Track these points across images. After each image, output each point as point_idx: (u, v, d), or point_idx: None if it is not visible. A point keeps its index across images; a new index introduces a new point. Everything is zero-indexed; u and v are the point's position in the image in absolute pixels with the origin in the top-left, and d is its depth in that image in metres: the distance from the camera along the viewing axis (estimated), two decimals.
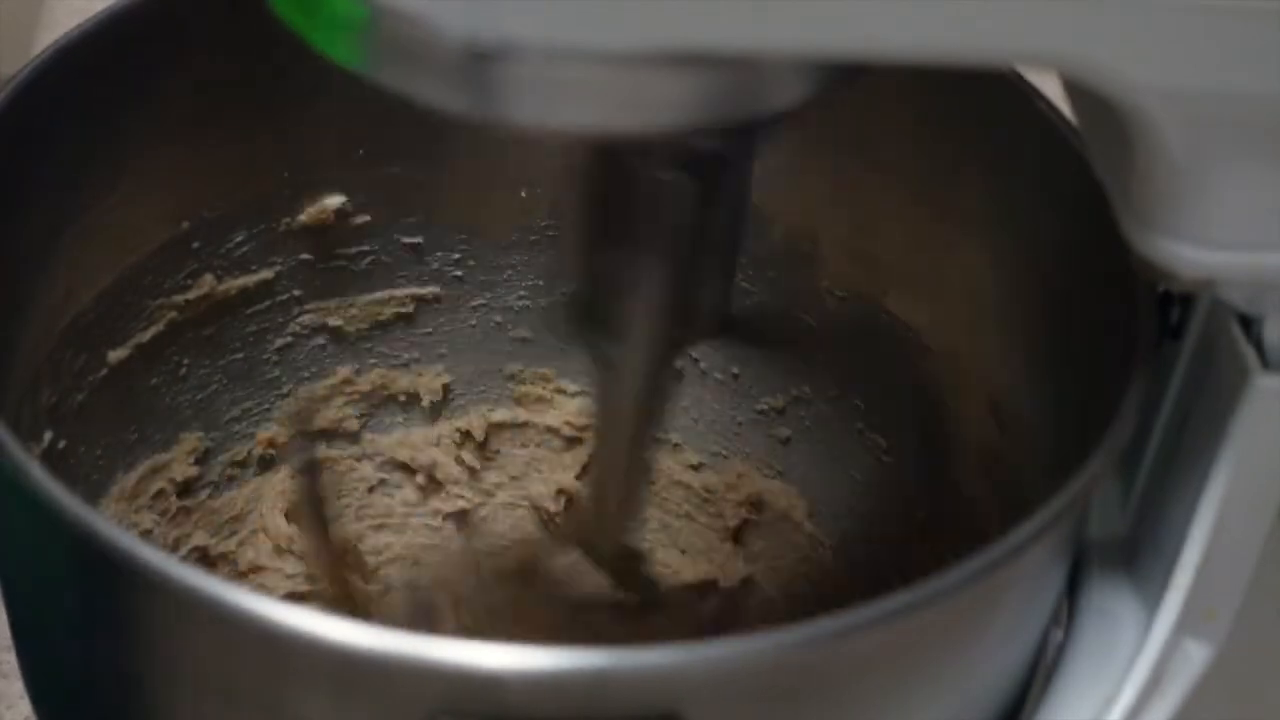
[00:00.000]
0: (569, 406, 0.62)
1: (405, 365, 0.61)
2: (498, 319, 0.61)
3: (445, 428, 0.62)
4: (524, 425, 0.62)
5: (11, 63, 0.46)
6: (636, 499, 0.47)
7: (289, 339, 0.59)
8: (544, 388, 0.62)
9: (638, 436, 0.45)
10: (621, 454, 0.45)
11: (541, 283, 0.60)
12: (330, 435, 0.61)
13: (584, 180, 0.40)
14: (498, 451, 0.63)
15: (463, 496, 0.62)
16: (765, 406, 0.60)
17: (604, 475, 0.46)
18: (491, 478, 0.63)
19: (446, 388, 0.61)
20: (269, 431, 0.59)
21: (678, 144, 0.37)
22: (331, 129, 0.55)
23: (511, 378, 0.62)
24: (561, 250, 0.44)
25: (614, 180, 0.39)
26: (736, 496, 0.61)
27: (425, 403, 0.61)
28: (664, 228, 0.39)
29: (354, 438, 0.61)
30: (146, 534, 0.55)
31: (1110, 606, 0.44)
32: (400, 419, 0.62)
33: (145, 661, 0.39)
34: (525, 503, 0.63)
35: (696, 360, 0.61)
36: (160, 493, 0.56)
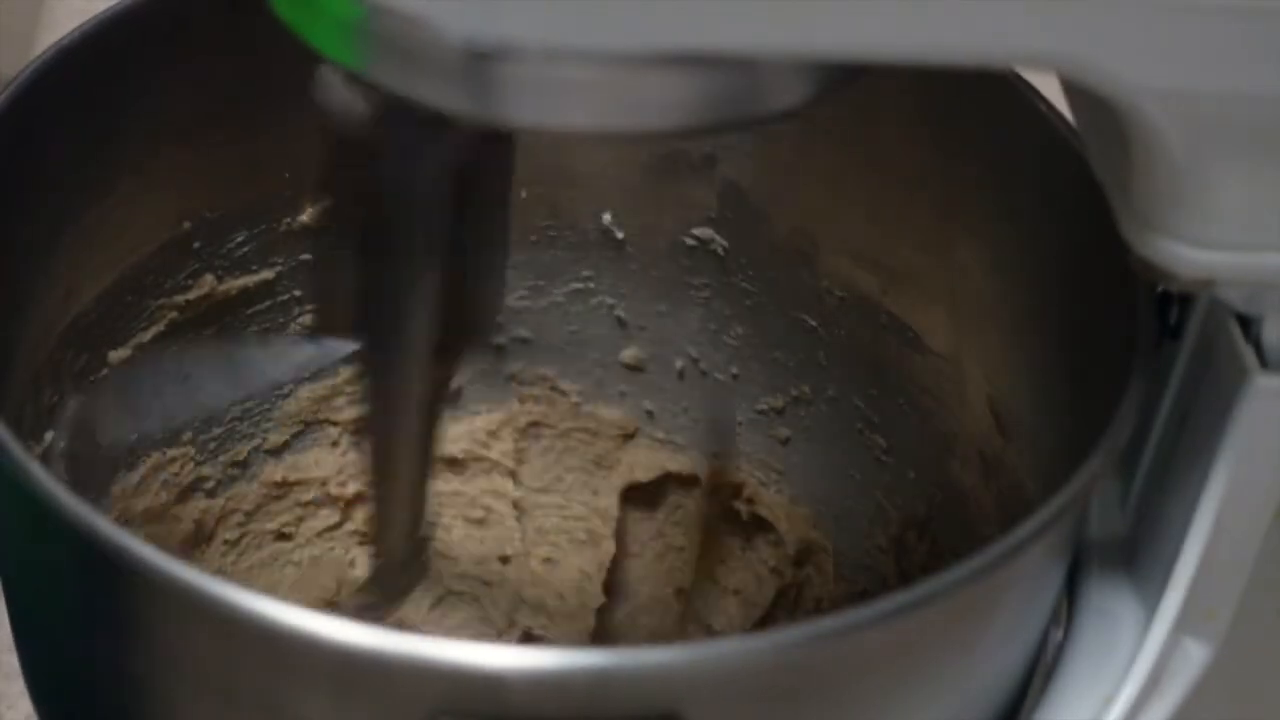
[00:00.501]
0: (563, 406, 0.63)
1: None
2: (498, 319, 0.61)
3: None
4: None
5: (11, 63, 0.46)
6: (420, 502, 0.45)
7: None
8: (544, 388, 0.62)
9: (416, 445, 0.43)
10: (402, 467, 0.43)
11: (541, 283, 0.60)
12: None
13: (345, 182, 0.39)
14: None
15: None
16: (765, 406, 0.60)
17: (386, 485, 0.44)
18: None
19: (460, 390, 0.62)
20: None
21: (434, 145, 0.36)
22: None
23: (511, 378, 0.62)
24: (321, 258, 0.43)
25: (370, 182, 0.38)
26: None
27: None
28: (417, 230, 0.38)
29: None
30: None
31: (1110, 606, 0.44)
32: None
33: (145, 661, 0.39)
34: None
35: (696, 360, 0.61)
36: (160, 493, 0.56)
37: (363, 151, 0.37)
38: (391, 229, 0.38)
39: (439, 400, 0.43)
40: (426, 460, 0.44)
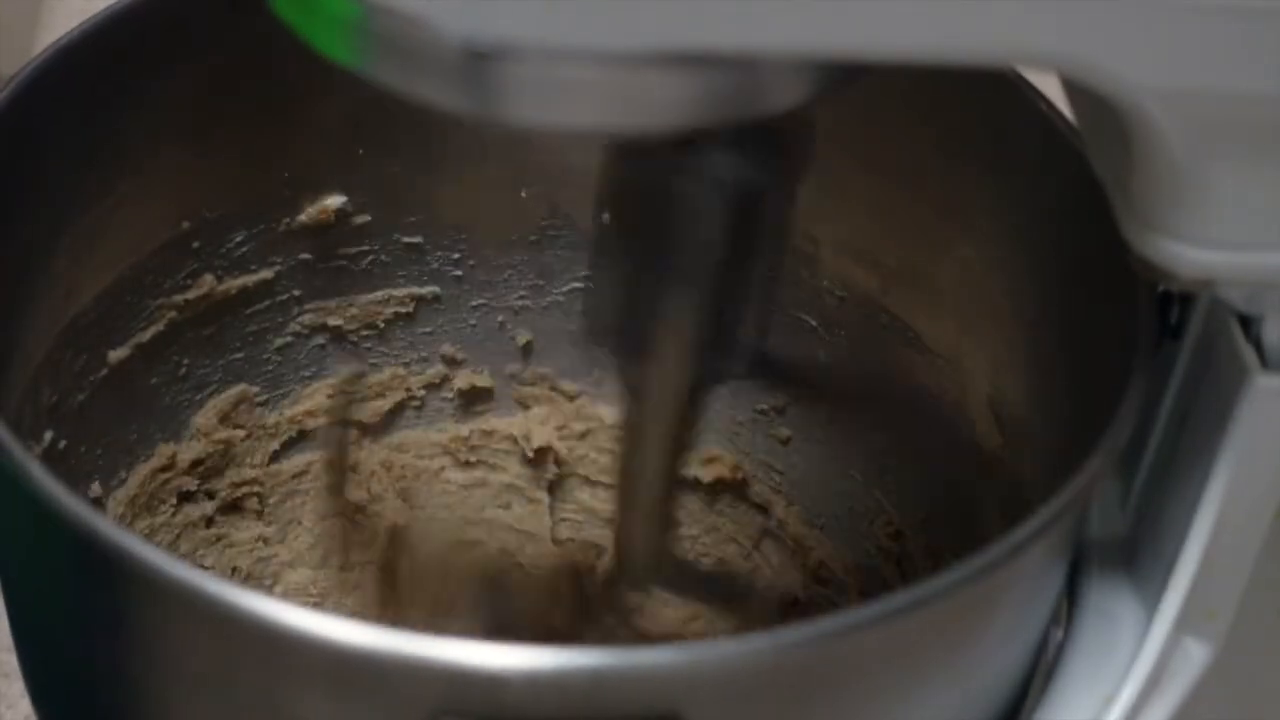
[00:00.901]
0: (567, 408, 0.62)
1: (406, 365, 0.61)
2: (498, 319, 0.61)
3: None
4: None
5: (11, 63, 0.46)
6: (667, 528, 0.45)
7: (289, 339, 0.59)
8: (544, 388, 0.62)
9: (665, 468, 0.44)
10: (649, 485, 0.44)
11: (541, 283, 0.60)
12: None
13: (615, 202, 0.40)
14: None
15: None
16: (765, 406, 0.60)
17: (633, 507, 0.45)
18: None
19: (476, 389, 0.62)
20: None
21: (718, 168, 0.37)
22: (331, 129, 0.55)
23: (512, 378, 0.62)
24: (592, 276, 0.43)
25: (646, 201, 0.38)
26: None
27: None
28: (698, 254, 0.38)
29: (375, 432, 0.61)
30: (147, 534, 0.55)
31: (1110, 606, 0.44)
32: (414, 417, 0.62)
33: (144, 661, 0.39)
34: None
35: None
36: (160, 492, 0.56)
37: (656, 173, 0.37)
38: (682, 254, 0.38)
39: (692, 425, 0.43)
40: (673, 477, 0.44)
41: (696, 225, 0.38)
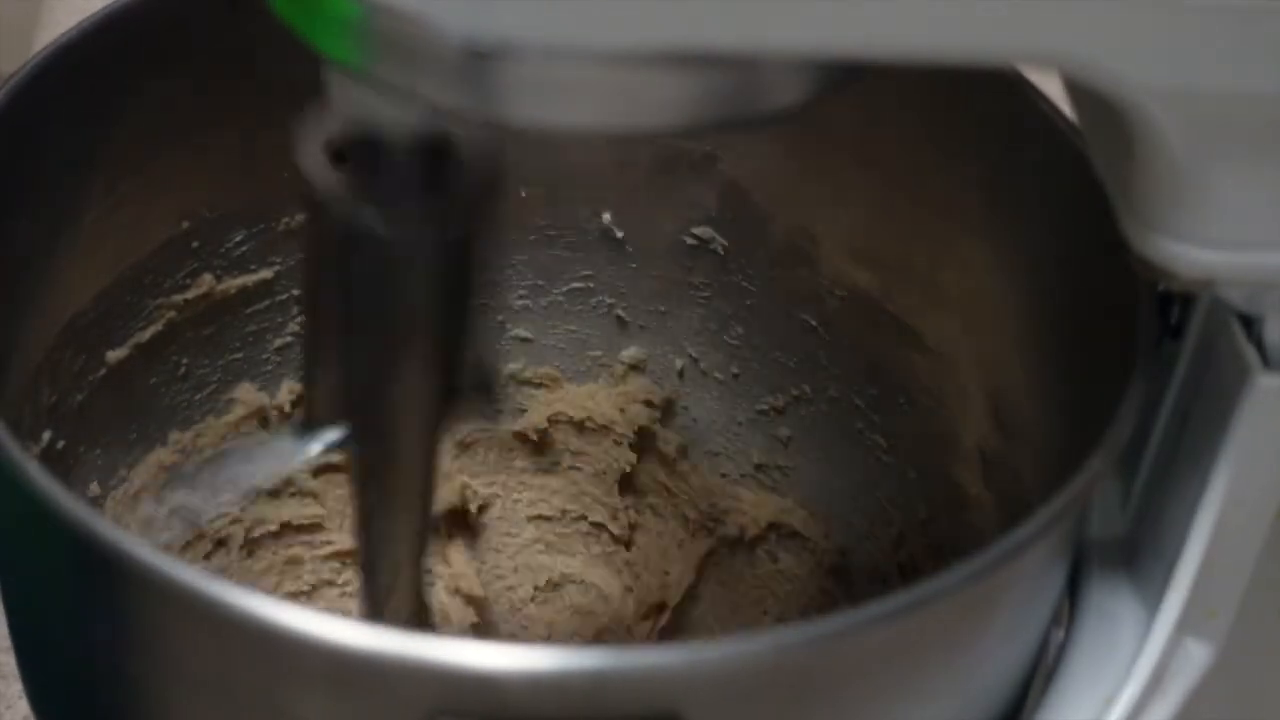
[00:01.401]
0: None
1: None
2: (498, 319, 0.61)
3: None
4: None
5: (11, 63, 0.46)
6: (420, 573, 0.43)
7: (289, 339, 0.58)
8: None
9: (417, 513, 0.41)
10: (401, 533, 0.42)
11: (541, 283, 0.60)
12: None
13: (315, 269, 0.38)
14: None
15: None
16: (765, 406, 0.60)
17: (385, 555, 0.42)
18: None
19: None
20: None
21: (381, 222, 0.35)
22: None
23: (512, 377, 0.62)
24: (307, 341, 0.41)
25: (345, 260, 0.37)
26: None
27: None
28: (401, 308, 0.37)
29: None
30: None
31: (1111, 606, 0.44)
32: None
33: (143, 662, 0.39)
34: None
35: (696, 360, 0.61)
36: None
37: (344, 235, 0.36)
38: (378, 311, 0.37)
39: (434, 469, 0.41)
40: (428, 526, 0.42)
41: (387, 280, 0.36)
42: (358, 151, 0.36)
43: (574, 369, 0.62)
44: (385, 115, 0.35)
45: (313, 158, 0.36)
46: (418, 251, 0.36)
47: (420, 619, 0.43)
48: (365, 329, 0.37)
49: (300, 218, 0.56)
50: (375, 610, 0.43)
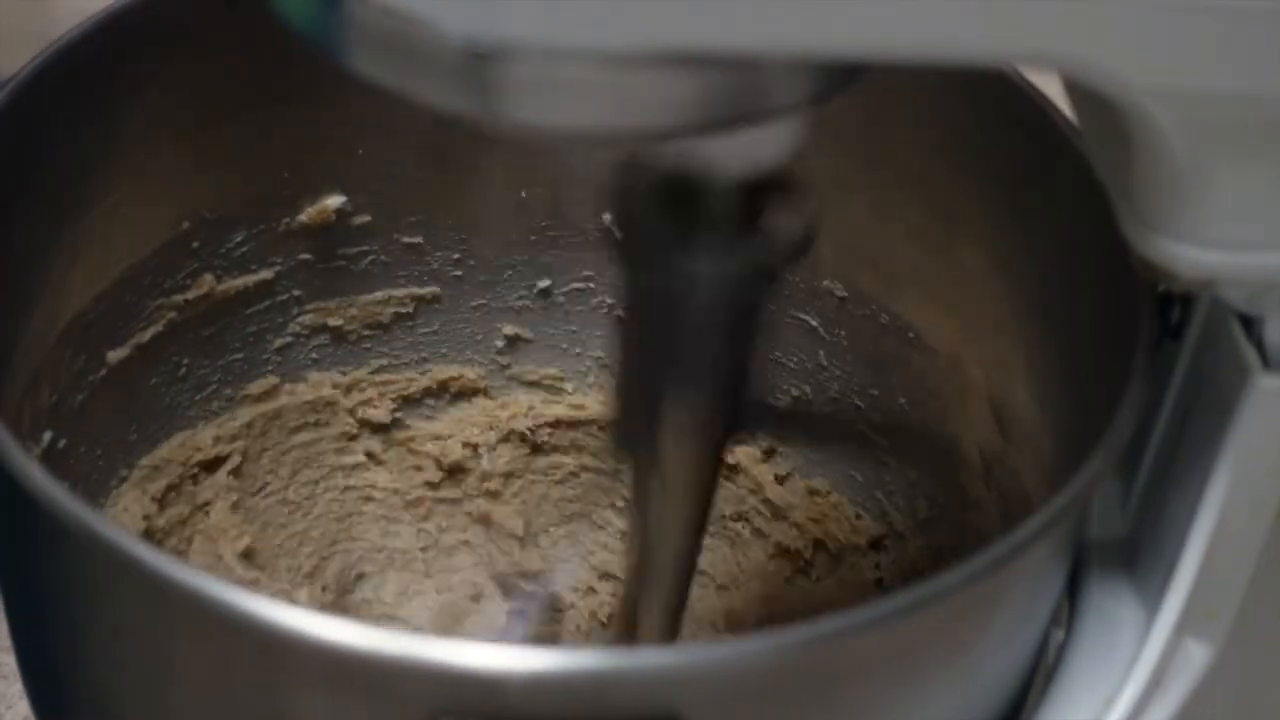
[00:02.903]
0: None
1: (406, 365, 0.61)
2: (498, 319, 0.61)
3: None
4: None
5: (12, 63, 0.46)
6: (680, 611, 0.44)
7: (289, 339, 0.59)
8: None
9: (685, 544, 0.43)
10: (668, 563, 0.43)
11: (541, 283, 0.60)
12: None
13: (624, 315, 0.40)
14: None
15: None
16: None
17: (649, 586, 0.44)
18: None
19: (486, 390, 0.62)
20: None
21: (713, 265, 0.37)
22: (331, 129, 0.55)
23: (512, 378, 0.62)
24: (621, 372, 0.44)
25: (649, 308, 0.38)
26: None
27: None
28: (705, 346, 0.38)
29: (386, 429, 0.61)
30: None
31: (1111, 606, 0.44)
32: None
33: (144, 662, 0.39)
34: None
35: None
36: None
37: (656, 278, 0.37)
38: (679, 343, 0.38)
39: (710, 500, 0.43)
40: (696, 553, 0.44)
41: (701, 320, 0.38)
42: (674, 194, 0.37)
43: (574, 369, 0.62)
44: (707, 159, 0.36)
45: (631, 198, 0.37)
46: (729, 293, 0.37)
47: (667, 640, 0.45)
48: (665, 361, 0.39)
49: (300, 218, 0.56)
50: (629, 628, 0.44)
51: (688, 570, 0.44)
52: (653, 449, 0.40)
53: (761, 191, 0.37)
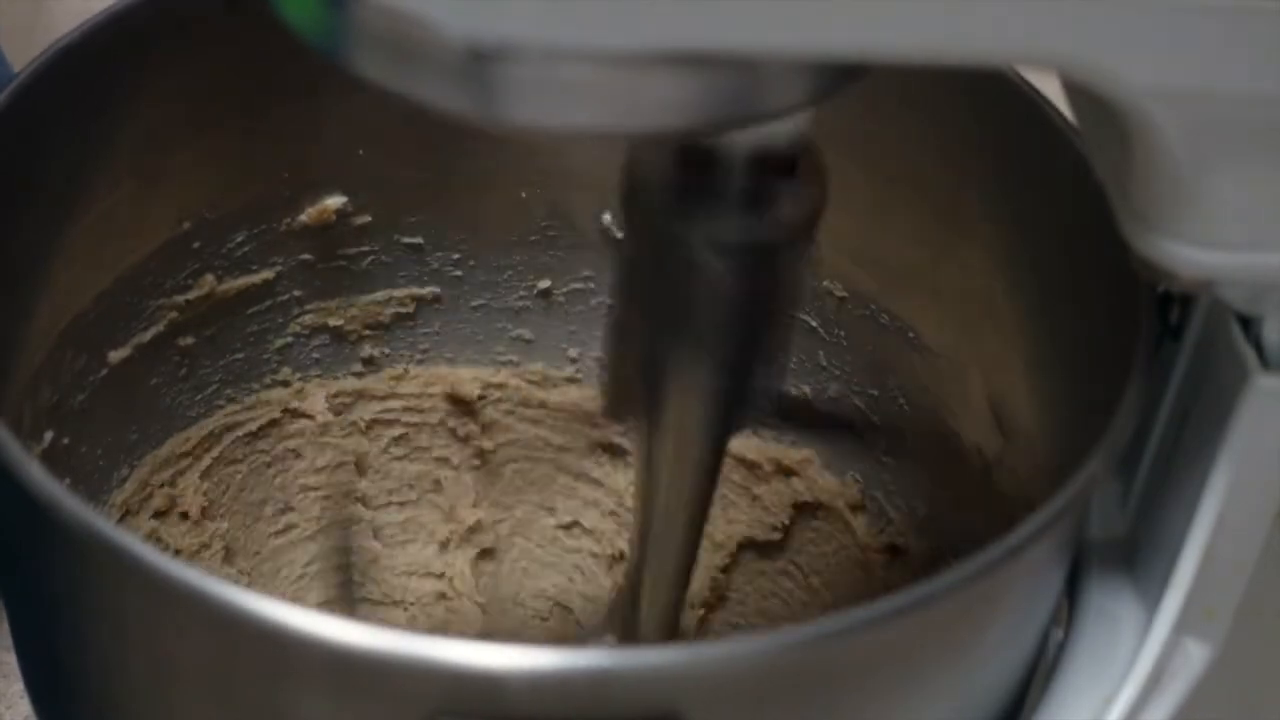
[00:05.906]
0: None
1: (407, 366, 0.61)
2: (498, 319, 0.61)
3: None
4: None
5: (13, 63, 0.46)
6: (683, 592, 0.45)
7: (289, 339, 0.59)
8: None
9: (687, 524, 0.43)
10: (669, 543, 0.43)
11: (541, 283, 0.60)
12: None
13: (628, 266, 0.40)
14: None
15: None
16: None
17: (647, 567, 0.44)
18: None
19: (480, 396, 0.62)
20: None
21: (723, 233, 0.37)
22: (331, 129, 0.55)
23: (512, 378, 0.62)
24: (608, 337, 0.43)
25: (659, 266, 0.38)
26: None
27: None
28: (713, 318, 0.38)
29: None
30: (147, 534, 0.55)
31: (1110, 606, 0.44)
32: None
33: (144, 661, 0.39)
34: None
35: None
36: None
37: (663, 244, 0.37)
38: (689, 318, 0.38)
39: (714, 483, 0.43)
40: (697, 544, 0.44)
41: (710, 290, 0.37)
42: (691, 166, 0.37)
43: (574, 369, 0.62)
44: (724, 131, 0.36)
45: (648, 169, 0.37)
46: (741, 266, 0.37)
47: (667, 634, 0.45)
48: (673, 334, 0.38)
49: (301, 218, 0.56)
50: (630, 620, 0.44)
51: (692, 543, 0.44)
52: (651, 416, 0.40)
53: (773, 164, 0.37)
